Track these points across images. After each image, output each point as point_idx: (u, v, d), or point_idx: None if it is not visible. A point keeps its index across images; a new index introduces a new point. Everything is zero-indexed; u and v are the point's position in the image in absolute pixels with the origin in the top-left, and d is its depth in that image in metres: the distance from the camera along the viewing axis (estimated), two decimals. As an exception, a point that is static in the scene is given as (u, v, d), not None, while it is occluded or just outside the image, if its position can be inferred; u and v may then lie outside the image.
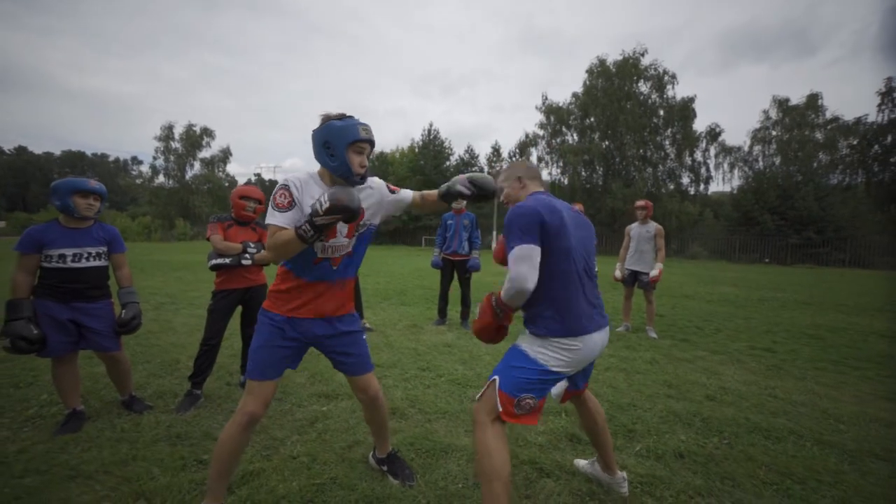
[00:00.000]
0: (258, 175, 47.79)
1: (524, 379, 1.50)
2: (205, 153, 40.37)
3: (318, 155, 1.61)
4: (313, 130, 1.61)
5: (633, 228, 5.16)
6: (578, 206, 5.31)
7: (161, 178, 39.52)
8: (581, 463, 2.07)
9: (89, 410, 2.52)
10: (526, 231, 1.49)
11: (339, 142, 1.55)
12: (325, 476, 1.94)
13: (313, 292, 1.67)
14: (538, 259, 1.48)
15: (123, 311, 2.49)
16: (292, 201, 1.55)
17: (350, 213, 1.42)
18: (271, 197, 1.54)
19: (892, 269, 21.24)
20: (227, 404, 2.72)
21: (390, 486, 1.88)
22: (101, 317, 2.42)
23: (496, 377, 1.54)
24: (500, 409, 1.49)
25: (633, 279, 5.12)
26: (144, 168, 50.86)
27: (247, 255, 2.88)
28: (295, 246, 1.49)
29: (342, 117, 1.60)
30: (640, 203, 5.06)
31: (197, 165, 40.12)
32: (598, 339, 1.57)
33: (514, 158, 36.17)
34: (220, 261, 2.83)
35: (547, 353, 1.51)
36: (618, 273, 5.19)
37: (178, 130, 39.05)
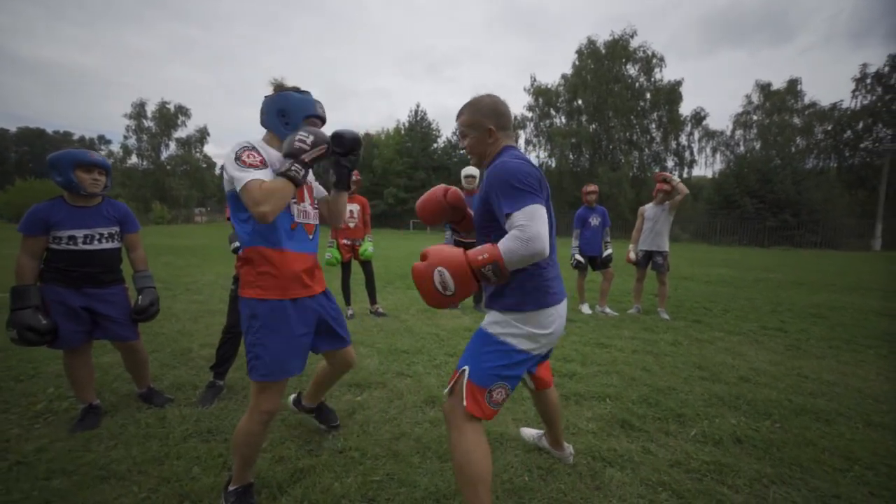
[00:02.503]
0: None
1: (496, 365, 1.35)
2: (180, 133, 38.76)
3: (270, 121, 1.62)
4: (266, 96, 1.64)
5: (649, 209, 5.10)
6: (593, 188, 5.22)
7: (134, 159, 37.84)
8: (528, 433, 2.08)
9: (104, 404, 2.32)
10: (534, 188, 1.28)
11: (297, 113, 1.59)
12: (380, 472, 1.83)
13: (301, 263, 1.60)
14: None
15: (140, 296, 2.29)
16: (263, 160, 1.49)
17: (333, 143, 1.55)
18: (236, 159, 1.43)
19: (858, 249, 22.24)
20: (254, 396, 2.56)
21: (452, 482, 1.77)
22: (116, 303, 2.22)
23: (466, 367, 1.37)
24: (466, 403, 1.32)
25: (646, 261, 5.09)
26: (114, 147, 48.48)
27: None
28: (287, 190, 1.43)
29: (298, 90, 1.64)
30: (666, 187, 4.96)
31: (172, 146, 38.53)
32: (563, 310, 1.47)
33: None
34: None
35: (518, 332, 1.36)
36: (632, 255, 5.15)
37: (150, 108, 37.30)
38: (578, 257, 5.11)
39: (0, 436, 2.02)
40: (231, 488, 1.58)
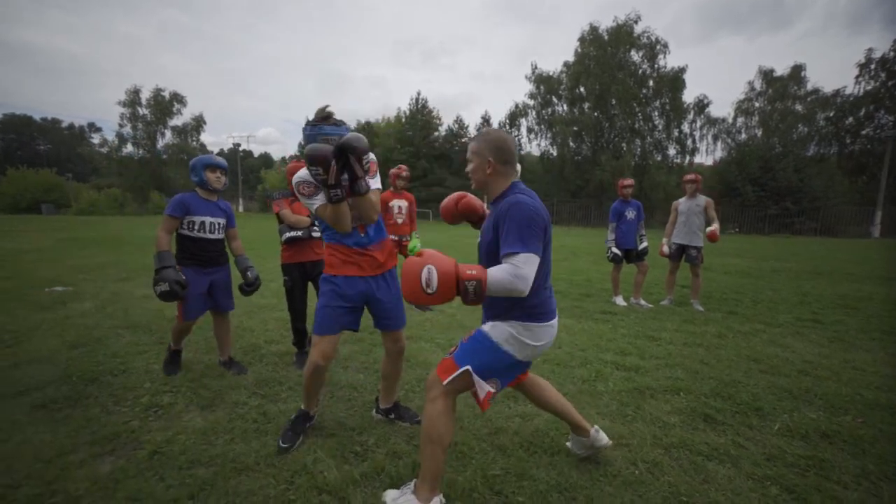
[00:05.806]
0: (237, 145, 45.10)
1: (492, 365, 1.57)
2: (176, 121, 38.05)
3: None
4: (304, 125, 1.91)
5: (682, 203, 5.18)
6: (629, 182, 5.26)
7: (129, 148, 37.17)
8: (570, 444, 2.01)
9: (200, 401, 2.42)
10: (537, 237, 1.46)
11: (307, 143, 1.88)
12: (495, 466, 1.90)
13: (356, 255, 2.01)
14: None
15: (248, 272, 2.86)
16: (316, 188, 1.90)
17: (330, 155, 1.64)
18: (297, 191, 1.92)
19: (857, 237, 22.56)
20: (339, 391, 2.63)
21: (568, 475, 1.85)
22: (227, 279, 2.84)
23: (468, 367, 1.56)
24: (482, 398, 1.58)
25: (679, 254, 5.18)
26: (108, 135, 47.64)
27: (316, 228, 2.97)
28: (338, 209, 1.80)
29: (318, 121, 1.86)
30: (689, 177, 5.04)
31: (168, 134, 37.84)
32: (556, 327, 1.66)
33: (505, 128, 35.56)
34: (293, 234, 2.94)
35: (518, 343, 1.55)
36: (665, 248, 5.24)
37: (144, 95, 36.52)
38: (615, 250, 5.18)
39: (124, 427, 2.13)
40: (301, 409, 2.10)
